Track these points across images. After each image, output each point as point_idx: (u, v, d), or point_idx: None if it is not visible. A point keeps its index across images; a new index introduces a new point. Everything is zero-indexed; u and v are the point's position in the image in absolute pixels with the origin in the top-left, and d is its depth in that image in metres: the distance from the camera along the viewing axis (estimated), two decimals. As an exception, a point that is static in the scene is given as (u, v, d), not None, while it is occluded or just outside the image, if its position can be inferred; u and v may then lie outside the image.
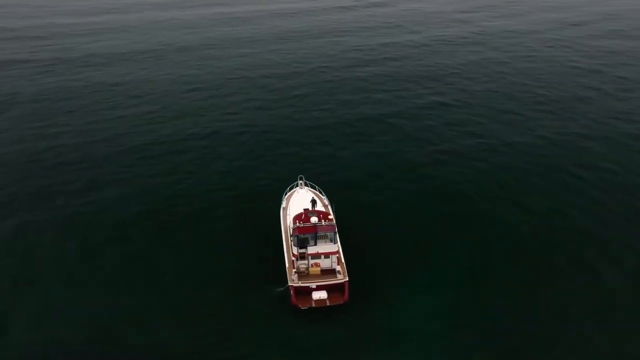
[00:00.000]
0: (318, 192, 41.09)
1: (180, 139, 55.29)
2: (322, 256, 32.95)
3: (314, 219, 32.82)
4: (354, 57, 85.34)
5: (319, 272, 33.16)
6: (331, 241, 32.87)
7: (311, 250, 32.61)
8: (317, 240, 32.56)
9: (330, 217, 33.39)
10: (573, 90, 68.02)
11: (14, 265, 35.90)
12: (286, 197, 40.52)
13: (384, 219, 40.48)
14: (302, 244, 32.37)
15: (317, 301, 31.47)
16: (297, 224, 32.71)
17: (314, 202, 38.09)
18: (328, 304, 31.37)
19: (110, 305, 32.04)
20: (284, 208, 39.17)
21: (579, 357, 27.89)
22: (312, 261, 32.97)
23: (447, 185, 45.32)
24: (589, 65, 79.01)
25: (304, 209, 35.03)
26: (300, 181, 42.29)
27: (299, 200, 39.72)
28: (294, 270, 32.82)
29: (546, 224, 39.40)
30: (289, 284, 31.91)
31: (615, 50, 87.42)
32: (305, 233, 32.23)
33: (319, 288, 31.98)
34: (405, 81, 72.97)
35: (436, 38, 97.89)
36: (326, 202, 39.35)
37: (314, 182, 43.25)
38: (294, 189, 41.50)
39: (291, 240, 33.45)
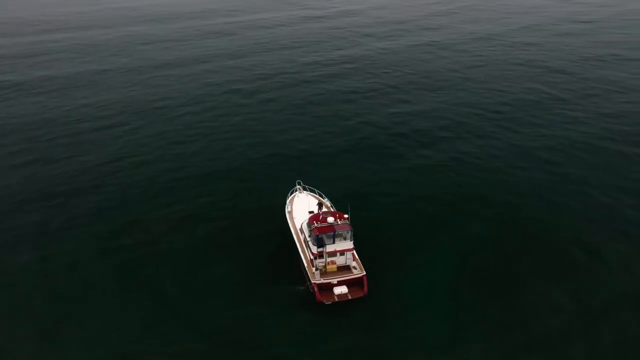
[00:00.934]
0: (318, 195, 43.22)
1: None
2: (338, 253, 35.14)
3: (330, 219, 34.97)
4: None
5: (335, 269, 35.36)
6: (347, 239, 35.11)
7: (330, 248, 34.73)
8: (335, 239, 34.70)
9: (345, 216, 35.68)
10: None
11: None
12: (289, 201, 42.32)
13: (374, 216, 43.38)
14: (321, 243, 34.38)
15: (339, 295, 33.69)
16: (316, 225, 34.70)
17: (320, 204, 40.32)
18: (349, 297, 33.65)
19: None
20: (289, 212, 40.95)
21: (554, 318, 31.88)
22: (328, 259, 35.07)
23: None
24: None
25: (320, 211, 36.97)
26: (299, 186, 44.26)
27: (303, 203, 41.79)
28: (314, 268, 34.79)
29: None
30: (313, 282, 33.84)
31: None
32: (324, 232, 34.28)
33: (339, 283, 34.23)
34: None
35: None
36: (328, 203, 41.57)
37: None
38: (294, 194, 43.40)
39: (309, 240, 35.33)
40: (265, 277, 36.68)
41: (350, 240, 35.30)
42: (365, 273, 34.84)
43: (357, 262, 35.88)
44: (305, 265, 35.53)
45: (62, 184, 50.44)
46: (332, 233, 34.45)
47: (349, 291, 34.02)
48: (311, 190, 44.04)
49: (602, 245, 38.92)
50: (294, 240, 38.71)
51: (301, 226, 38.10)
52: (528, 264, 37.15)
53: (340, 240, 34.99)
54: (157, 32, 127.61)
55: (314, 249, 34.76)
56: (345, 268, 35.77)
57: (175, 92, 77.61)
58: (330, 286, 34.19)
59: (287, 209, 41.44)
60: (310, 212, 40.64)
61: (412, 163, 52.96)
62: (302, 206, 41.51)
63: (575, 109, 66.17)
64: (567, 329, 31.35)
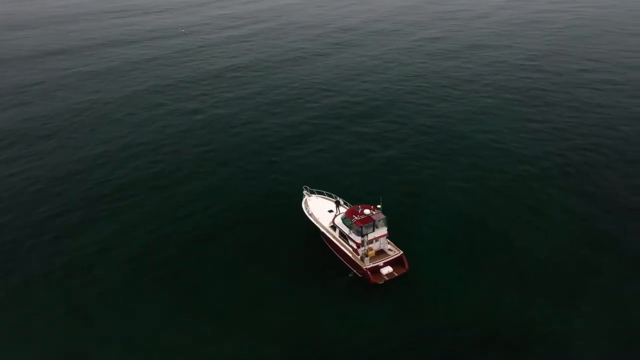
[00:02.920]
0: (326, 196, 47.40)
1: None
2: (375, 240, 39.86)
3: (367, 212, 39.60)
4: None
5: (374, 254, 40.04)
6: (382, 226, 39.95)
7: (371, 236, 39.32)
8: (374, 228, 39.40)
9: (378, 206, 40.48)
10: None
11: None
12: (304, 205, 45.91)
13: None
14: (363, 232, 38.82)
15: (387, 275, 38.44)
16: (356, 218, 39.06)
17: (337, 202, 44.67)
18: (396, 275, 38.59)
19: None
20: (310, 214, 44.60)
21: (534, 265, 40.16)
22: (368, 246, 39.64)
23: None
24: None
25: (354, 207, 41.08)
26: (306, 191, 48.04)
27: (318, 204, 45.83)
28: (359, 256, 39.12)
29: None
30: (364, 267, 38.16)
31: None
32: (365, 223, 38.78)
33: (385, 265, 38.95)
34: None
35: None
36: (342, 201, 45.96)
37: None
38: (305, 198, 47.09)
39: (349, 233, 39.54)
40: (311, 274, 40.12)
41: (385, 227, 40.23)
42: (402, 252, 40.02)
43: (391, 245, 40.90)
44: (350, 255, 39.65)
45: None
46: (372, 223, 39.09)
47: (393, 270, 38.94)
48: (319, 193, 48.04)
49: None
50: (323, 239, 42.68)
51: (333, 222, 42.09)
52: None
53: (377, 228, 39.74)
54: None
55: (358, 239, 39.06)
56: (381, 252, 40.59)
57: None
58: (378, 268, 38.77)
59: (308, 211, 44.99)
60: (329, 211, 44.92)
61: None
62: (319, 207, 45.46)
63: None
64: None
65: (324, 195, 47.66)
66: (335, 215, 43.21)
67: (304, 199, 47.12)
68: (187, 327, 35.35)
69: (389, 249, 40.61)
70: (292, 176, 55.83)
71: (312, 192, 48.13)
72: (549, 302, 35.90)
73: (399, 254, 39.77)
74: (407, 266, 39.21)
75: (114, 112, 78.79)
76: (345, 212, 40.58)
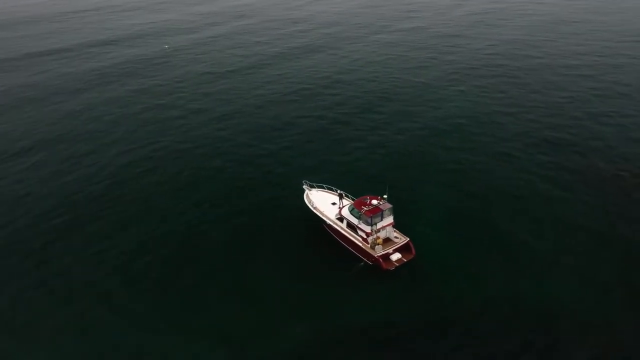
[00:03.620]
0: (326, 189, 48.90)
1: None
2: (382, 229, 41.77)
3: (374, 202, 41.39)
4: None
5: (382, 242, 41.96)
6: (389, 215, 41.85)
7: (379, 225, 41.19)
8: (382, 217, 41.27)
9: (385, 196, 42.32)
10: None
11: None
12: (307, 200, 47.23)
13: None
14: (372, 222, 40.62)
15: (397, 261, 40.49)
16: (365, 208, 40.80)
17: (341, 195, 46.29)
18: (405, 260, 40.71)
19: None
20: (315, 208, 46.00)
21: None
22: (376, 235, 41.51)
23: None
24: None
25: (360, 198, 42.68)
26: (306, 185, 49.36)
27: (321, 197, 47.34)
28: (369, 245, 40.95)
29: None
30: (376, 255, 40.03)
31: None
32: (374, 213, 40.58)
33: (394, 251, 40.98)
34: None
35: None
36: (344, 194, 47.50)
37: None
38: (306, 192, 48.41)
39: (359, 223, 41.24)
40: (322, 265, 41.73)
41: (391, 216, 42.18)
42: (409, 238, 42.15)
43: (397, 232, 42.95)
44: (360, 244, 41.42)
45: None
46: (380, 213, 40.95)
47: (402, 256, 41.02)
48: (319, 186, 49.46)
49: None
50: (328, 230, 44.54)
51: (340, 214, 43.67)
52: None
53: (384, 218, 41.63)
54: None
55: (367, 229, 40.86)
56: (387, 239, 42.56)
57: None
58: (388, 256, 40.74)
59: (312, 205, 46.35)
60: (333, 204, 46.52)
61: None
62: (322, 200, 46.98)
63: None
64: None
65: (324, 188, 49.10)
66: (340, 208, 44.75)
67: (305, 193, 48.42)
68: (202, 325, 36.34)
69: (395, 237, 42.64)
70: (287, 169, 57.12)
71: (312, 186, 49.47)
72: (534, 274, 39.02)
73: (406, 240, 41.88)
74: (414, 252, 41.35)
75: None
76: (354, 204, 42.23)
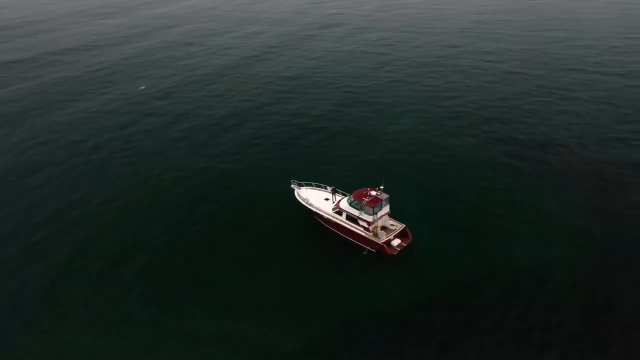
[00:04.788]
0: (315, 186, 50.88)
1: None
2: (380, 218, 44.64)
3: (373, 193, 44.07)
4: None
5: (379, 230, 44.83)
6: (386, 205, 44.75)
7: (379, 214, 43.96)
8: (381, 207, 44.10)
9: (381, 187, 45.07)
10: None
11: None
12: (299, 197, 48.86)
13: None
14: (373, 212, 43.29)
15: (398, 246, 43.57)
16: (366, 200, 43.35)
17: (334, 190, 48.55)
18: (404, 245, 43.90)
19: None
20: (311, 204, 47.79)
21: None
22: (375, 223, 44.29)
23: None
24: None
25: (358, 191, 44.99)
26: (294, 185, 50.98)
27: (313, 194, 49.29)
28: (371, 233, 43.62)
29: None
30: (380, 242, 42.77)
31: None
32: (375, 204, 43.26)
33: (395, 237, 44.00)
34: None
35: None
36: (330, 189, 49.67)
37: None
38: (296, 191, 50.02)
39: (360, 214, 43.68)
40: (328, 258, 43.82)
41: (388, 205, 45.11)
42: (405, 225, 45.37)
43: (392, 220, 45.98)
44: (363, 234, 43.92)
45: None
46: (380, 202, 43.75)
47: (401, 241, 44.16)
48: (307, 184, 51.28)
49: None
50: (325, 224, 46.91)
51: (338, 208, 45.75)
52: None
53: (383, 207, 44.48)
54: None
55: (369, 219, 43.47)
56: (384, 227, 45.47)
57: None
58: (389, 241, 43.65)
59: (307, 202, 48.06)
60: (326, 199, 48.61)
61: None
62: (315, 197, 48.92)
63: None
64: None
65: (313, 186, 51.02)
66: (337, 202, 46.85)
67: (295, 192, 49.98)
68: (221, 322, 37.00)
69: (391, 224, 45.64)
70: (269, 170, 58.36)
71: (300, 185, 51.13)
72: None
73: (403, 227, 45.05)
74: (411, 236, 44.64)
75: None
76: (353, 196, 44.60)
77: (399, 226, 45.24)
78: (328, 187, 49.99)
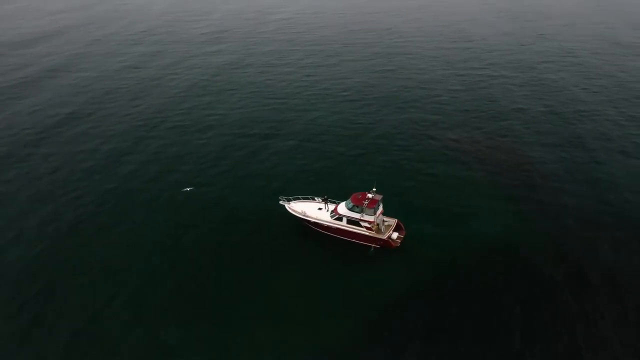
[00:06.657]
0: (303, 199, 54.39)
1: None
2: (378, 215, 49.88)
3: (369, 195, 49.03)
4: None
5: (377, 227, 50.10)
6: (379, 205, 49.98)
7: (378, 213, 49.10)
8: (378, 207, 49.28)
9: (374, 189, 50.00)
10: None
11: None
12: (293, 211, 52.03)
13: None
14: (373, 212, 48.29)
15: (398, 238, 49.38)
16: (366, 202, 48.16)
17: (326, 200, 52.64)
18: (402, 237, 49.75)
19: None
20: (307, 216, 51.23)
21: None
22: (375, 222, 49.42)
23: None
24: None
25: (355, 194, 49.42)
26: (282, 201, 53.96)
27: (306, 206, 52.99)
28: (374, 230, 48.61)
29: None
30: (384, 238, 47.94)
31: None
32: (374, 205, 48.30)
33: (393, 231, 49.55)
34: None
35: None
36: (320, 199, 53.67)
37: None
38: (287, 206, 53.07)
39: (361, 216, 48.32)
40: (339, 261, 47.89)
41: (381, 204, 50.40)
42: (397, 219, 51.09)
43: (385, 217, 51.39)
44: (367, 233, 48.68)
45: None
46: (378, 203, 48.93)
47: (399, 234, 49.88)
48: (295, 199, 54.51)
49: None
50: (325, 232, 51.19)
51: (337, 214, 49.78)
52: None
53: (379, 207, 49.69)
54: None
55: (371, 219, 48.44)
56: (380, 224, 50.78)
57: None
58: (390, 236, 49.04)
59: (303, 214, 51.37)
60: (319, 209, 52.52)
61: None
62: (308, 208, 52.57)
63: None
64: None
65: (300, 199, 54.43)
66: (332, 210, 50.88)
67: (287, 206, 52.97)
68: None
69: (384, 221, 51.11)
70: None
71: (288, 200, 54.16)
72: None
73: (396, 221, 50.83)
74: (404, 231, 50.57)
75: None
76: (352, 201, 49.17)
77: (392, 221, 50.86)
78: (317, 198, 53.81)
